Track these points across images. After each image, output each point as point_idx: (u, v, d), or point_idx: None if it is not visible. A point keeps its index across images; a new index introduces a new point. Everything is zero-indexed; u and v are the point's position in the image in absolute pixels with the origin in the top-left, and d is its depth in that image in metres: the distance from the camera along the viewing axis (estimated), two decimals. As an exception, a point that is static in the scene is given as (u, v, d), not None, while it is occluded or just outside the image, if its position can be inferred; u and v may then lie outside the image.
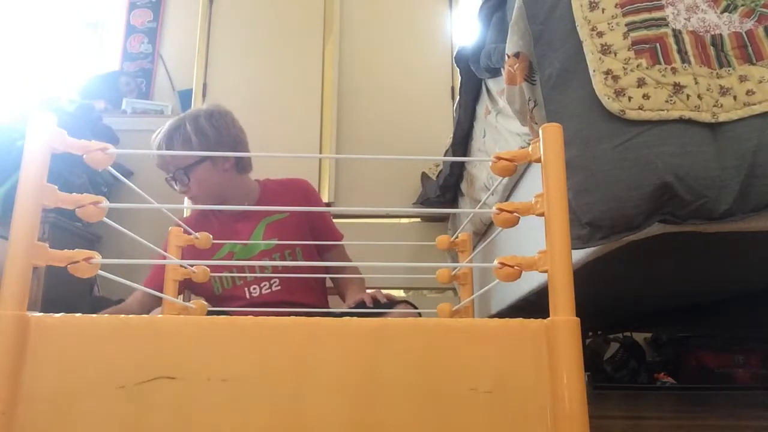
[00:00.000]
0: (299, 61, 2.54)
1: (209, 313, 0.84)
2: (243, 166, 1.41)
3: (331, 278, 1.48)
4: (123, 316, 0.43)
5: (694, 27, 0.81)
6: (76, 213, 0.45)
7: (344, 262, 1.46)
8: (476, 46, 1.35)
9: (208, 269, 0.85)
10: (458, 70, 1.60)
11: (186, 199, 1.48)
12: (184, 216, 1.75)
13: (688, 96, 0.76)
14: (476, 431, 0.41)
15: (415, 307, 1.25)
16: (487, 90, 1.45)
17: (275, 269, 1.35)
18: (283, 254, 1.34)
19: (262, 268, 1.34)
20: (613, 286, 1.27)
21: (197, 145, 1.32)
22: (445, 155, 1.96)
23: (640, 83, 0.77)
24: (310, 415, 0.41)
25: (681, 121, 0.76)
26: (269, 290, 1.34)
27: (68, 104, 2.41)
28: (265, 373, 0.41)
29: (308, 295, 1.36)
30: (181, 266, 0.85)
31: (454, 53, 1.70)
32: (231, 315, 0.47)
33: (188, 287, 1.41)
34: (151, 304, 1.33)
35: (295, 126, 2.46)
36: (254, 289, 1.34)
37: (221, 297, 1.35)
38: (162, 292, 1.36)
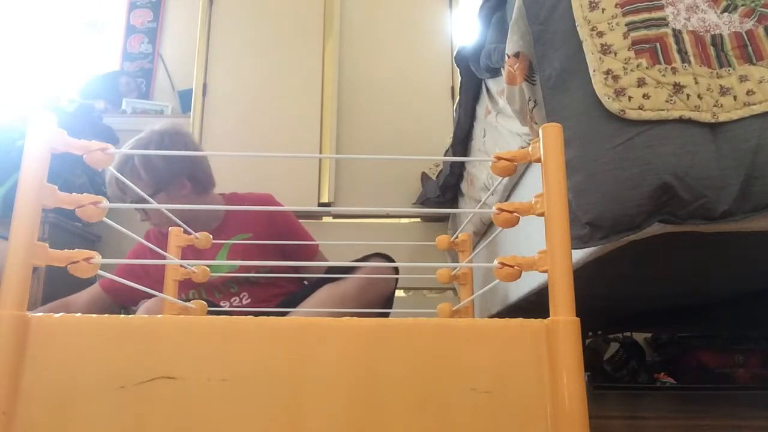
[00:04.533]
0: (299, 61, 2.54)
1: (209, 313, 0.84)
2: (203, 187, 1.36)
3: (316, 282, 1.46)
4: (123, 316, 0.43)
5: (694, 27, 0.81)
6: (76, 213, 0.45)
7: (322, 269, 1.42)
8: (476, 46, 1.35)
9: (208, 270, 0.85)
10: (458, 70, 1.59)
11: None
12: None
13: (688, 96, 0.76)
14: (476, 431, 0.41)
15: (391, 260, 1.24)
16: (487, 90, 1.45)
17: (241, 287, 1.34)
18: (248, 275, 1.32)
19: (228, 286, 1.33)
20: (613, 286, 1.27)
21: (147, 180, 1.28)
22: (445, 155, 1.96)
23: (641, 83, 0.77)
24: (310, 416, 0.41)
25: (681, 121, 0.76)
26: (240, 303, 1.33)
27: (68, 104, 2.40)
28: (265, 373, 0.41)
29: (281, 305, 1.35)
30: (181, 266, 0.85)
31: (454, 53, 1.69)
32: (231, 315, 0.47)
33: None
34: (102, 308, 1.33)
35: (295, 126, 2.46)
36: (224, 304, 1.33)
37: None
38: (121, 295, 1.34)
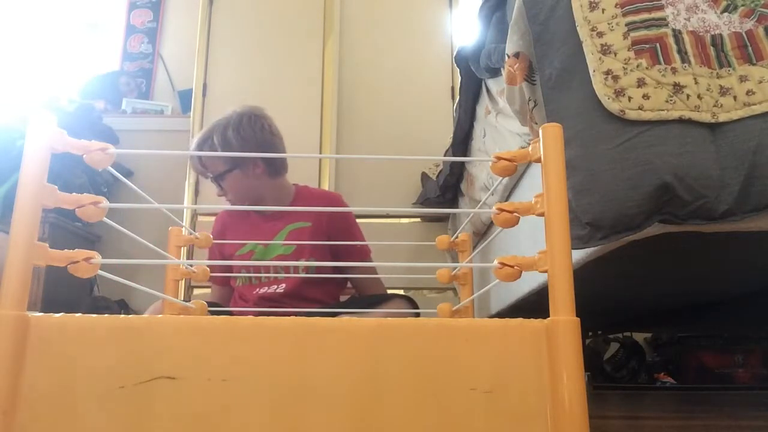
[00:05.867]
0: (299, 61, 2.54)
1: (210, 313, 0.84)
2: (276, 169, 1.43)
3: (356, 290, 1.48)
4: (123, 316, 0.43)
5: (694, 27, 0.81)
6: (76, 213, 0.45)
7: (369, 280, 1.44)
8: (476, 46, 1.35)
9: (208, 270, 0.85)
10: (458, 70, 1.59)
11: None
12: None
13: (688, 96, 0.76)
14: (476, 431, 0.41)
15: (415, 304, 1.25)
16: (487, 90, 1.45)
17: (287, 278, 1.35)
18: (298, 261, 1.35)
19: (276, 271, 1.35)
20: (613, 286, 1.27)
21: (224, 157, 1.36)
22: (445, 155, 1.96)
23: (640, 83, 0.77)
24: (310, 416, 0.41)
25: (681, 121, 0.76)
26: (273, 293, 1.35)
27: (68, 104, 2.41)
28: (265, 373, 0.41)
29: (308, 305, 1.35)
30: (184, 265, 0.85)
31: (454, 53, 1.69)
32: (232, 315, 0.47)
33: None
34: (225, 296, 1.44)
35: (295, 126, 2.46)
36: (264, 290, 1.36)
37: (238, 291, 1.41)
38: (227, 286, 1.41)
